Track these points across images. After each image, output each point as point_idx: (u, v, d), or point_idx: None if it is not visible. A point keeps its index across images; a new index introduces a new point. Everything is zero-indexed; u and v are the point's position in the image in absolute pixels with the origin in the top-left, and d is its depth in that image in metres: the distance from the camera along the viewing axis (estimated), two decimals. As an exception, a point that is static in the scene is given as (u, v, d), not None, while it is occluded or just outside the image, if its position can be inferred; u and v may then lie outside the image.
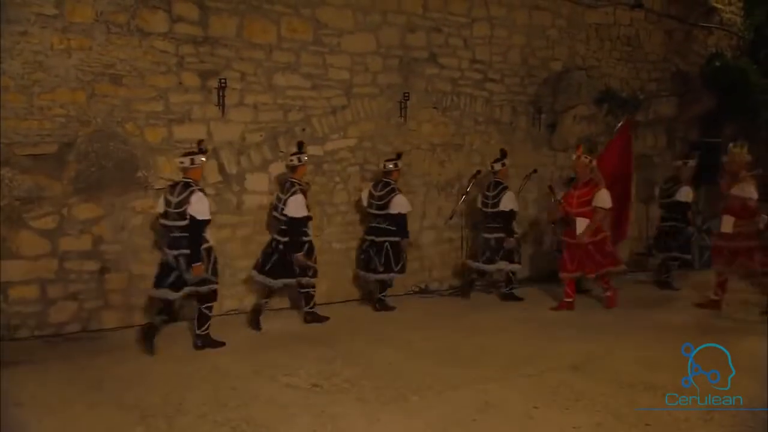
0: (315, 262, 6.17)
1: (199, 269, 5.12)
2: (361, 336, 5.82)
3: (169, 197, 5.23)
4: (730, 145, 6.93)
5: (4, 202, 5.37)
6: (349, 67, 6.98)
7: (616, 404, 4.28)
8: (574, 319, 6.57)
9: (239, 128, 6.41)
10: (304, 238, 5.95)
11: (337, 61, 6.89)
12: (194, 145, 5.44)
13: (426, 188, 7.63)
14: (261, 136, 6.52)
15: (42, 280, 5.55)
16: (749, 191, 6.59)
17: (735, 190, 6.62)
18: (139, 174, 5.90)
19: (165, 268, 5.21)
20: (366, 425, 3.94)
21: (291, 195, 5.85)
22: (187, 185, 5.20)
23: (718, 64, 9.71)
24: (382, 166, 6.79)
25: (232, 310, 6.45)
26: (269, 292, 6.14)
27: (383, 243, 6.61)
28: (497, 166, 7.16)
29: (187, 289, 5.18)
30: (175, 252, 5.16)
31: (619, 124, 7.94)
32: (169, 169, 6.04)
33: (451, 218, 7.35)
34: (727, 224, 6.71)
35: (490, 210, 7.12)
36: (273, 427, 3.90)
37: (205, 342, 5.36)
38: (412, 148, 7.47)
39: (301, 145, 6.12)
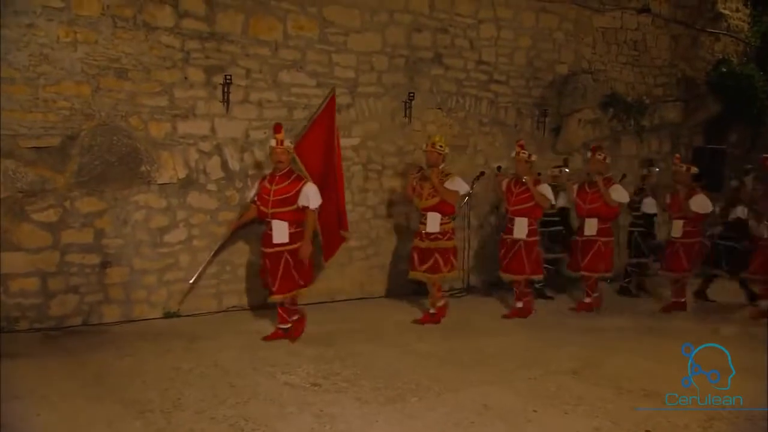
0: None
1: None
2: (361, 336, 5.81)
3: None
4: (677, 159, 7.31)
5: (7, 194, 5.36)
6: (355, 66, 6.98)
7: (615, 409, 4.26)
8: (574, 323, 6.55)
9: (243, 125, 6.40)
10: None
11: (342, 59, 6.88)
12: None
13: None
14: (265, 133, 6.51)
15: (43, 273, 5.55)
16: (707, 206, 6.97)
17: (694, 206, 6.93)
18: (143, 168, 5.89)
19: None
20: (364, 426, 3.93)
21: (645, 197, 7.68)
22: (554, 187, 6.95)
23: (724, 70, 9.69)
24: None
25: (233, 307, 6.45)
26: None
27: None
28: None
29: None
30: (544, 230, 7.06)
31: (326, 99, 6.26)
32: (172, 164, 6.04)
33: (453, 218, 7.33)
34: (677, 228, 7.10)
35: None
36: (271, 425, 3.89)
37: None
38: (416, 149, 7.44)
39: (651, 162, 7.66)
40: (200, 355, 5.08)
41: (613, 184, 6.84)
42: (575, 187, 7.04)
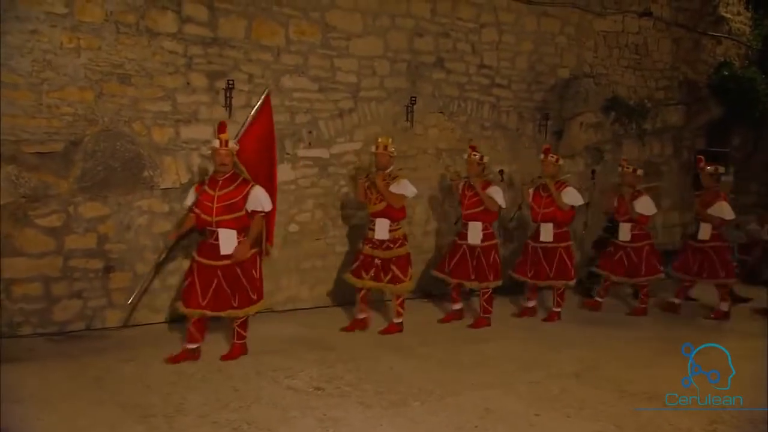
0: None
1: None
2: (363, 340, 5.81)
3: None
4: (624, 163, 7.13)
5: (10, 200, 5.38)
6: (357, 71, 6.99)
7: (617, 412, 4.26)
8: (575, 327, 6.55)
9: (246, 130, 6.41)
10: None
11: (344, 64, 6.90)
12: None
13: (431, 192, 7.62)
14: (267, 137, 6.53)
15: (46, 278, 5.56)
16: (652, 207, 6.89)
17: (638, 208, 6.83)
18: (146, 174, 5.91)
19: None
20: (367, 430, 3.94)
21: None
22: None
23: (726, 73, 9.70)
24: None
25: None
26: None
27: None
28: None
29: None
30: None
31: (261, 101, 5.61)
32: (175, 169, 6.06)
33: (456, 223, 7.34)
34: (625, 232, 6.97)
35: None
36: (274, 429, 3.90)
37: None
38: (418, 153, 7.47)
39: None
40: (203, 359, 5.09)
41: (566, 187, 6.56)
42: (531, 191, 6.74)
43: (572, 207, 6.60)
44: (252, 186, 4.96)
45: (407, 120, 7.34)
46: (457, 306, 6.63)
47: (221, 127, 5.00)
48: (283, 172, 6.61)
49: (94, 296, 5.77)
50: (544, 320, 6.74)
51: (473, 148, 6.37)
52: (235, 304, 4.97)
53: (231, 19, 6.22)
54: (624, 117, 8.87)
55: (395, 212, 5.89)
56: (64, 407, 4.08)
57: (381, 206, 5.86)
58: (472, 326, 6.38)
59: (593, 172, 8.05)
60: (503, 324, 6.57)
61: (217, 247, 4.90)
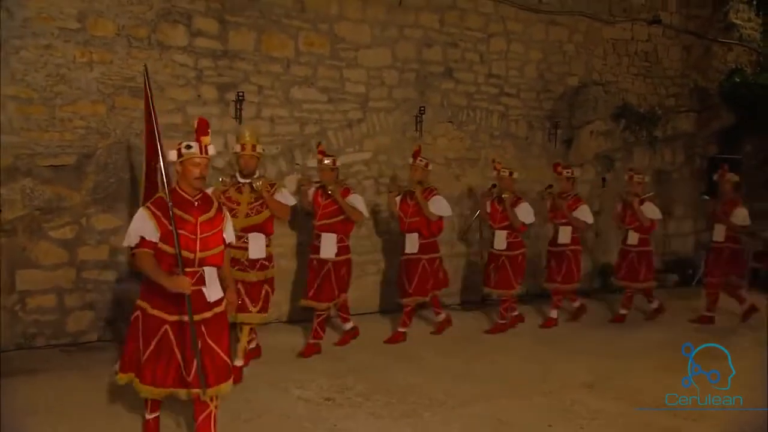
0: None
1: None
2: (374, 350, 5.80)
3: None
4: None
5: (25, 212, 5.45)
6: (366, 81, 7.03)
7: (632, 423, 4.22)
8: (587, 337, 6.50)
9: (256, 141, 6.45)
10: None
11: (353, 75, 6.94)
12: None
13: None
14: (277, 148, 6.57)
15: (60, 290, 5.62)
16: (531, 214, 6.41)
17: (520, 215, 6.40)
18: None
19: None
20: (378, 440, 3.93)
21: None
22: None
23: (737, 80, 9.65)
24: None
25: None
26: None
27: None
28: None
29: None
30: None
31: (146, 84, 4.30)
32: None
33: (466, 232, 7.34)
34: (501, 240, 6.45)
35: None
36: (285, 440, 3.90)
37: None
38: (428, 162, 7.44)
39: None
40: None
41: (435, 194, 6.00)
42: (398, 199, 6.13)
43: (440, 217, 6.04)
44: (223, 208, 3.81)
45: (416, 130, 7.35)
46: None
47: (203, 127, 3.55)
48: (293, 183, 6.64)
49: (107, 308, 5.81)
50: (434, 333, 6.34)
51: (323, 153, 5.63)
52: (234, 372, 3.87)
53: (241, 32, 6.28)
54: (634, 124, 8.86)
55: (271, 226, 5.01)
56: (79, 419, 4.10)
57: (258, 219, 4.87)
58: (337, 343, 5.85)
59: (604, 180, 8.03)
60: (516, 335, 6.54)
61: (201, 293, 3.54)
